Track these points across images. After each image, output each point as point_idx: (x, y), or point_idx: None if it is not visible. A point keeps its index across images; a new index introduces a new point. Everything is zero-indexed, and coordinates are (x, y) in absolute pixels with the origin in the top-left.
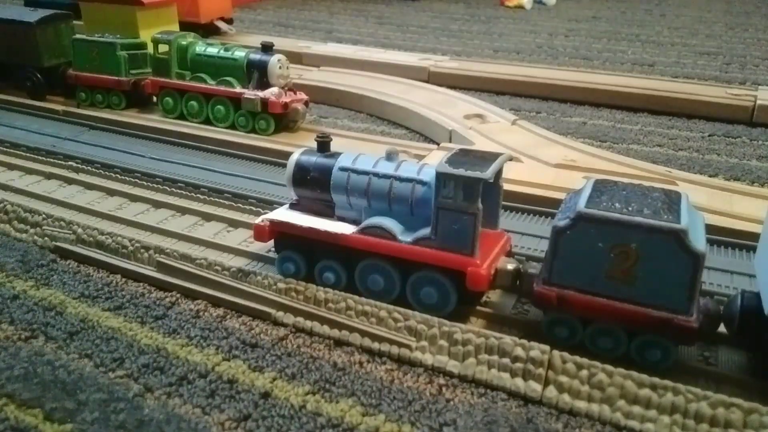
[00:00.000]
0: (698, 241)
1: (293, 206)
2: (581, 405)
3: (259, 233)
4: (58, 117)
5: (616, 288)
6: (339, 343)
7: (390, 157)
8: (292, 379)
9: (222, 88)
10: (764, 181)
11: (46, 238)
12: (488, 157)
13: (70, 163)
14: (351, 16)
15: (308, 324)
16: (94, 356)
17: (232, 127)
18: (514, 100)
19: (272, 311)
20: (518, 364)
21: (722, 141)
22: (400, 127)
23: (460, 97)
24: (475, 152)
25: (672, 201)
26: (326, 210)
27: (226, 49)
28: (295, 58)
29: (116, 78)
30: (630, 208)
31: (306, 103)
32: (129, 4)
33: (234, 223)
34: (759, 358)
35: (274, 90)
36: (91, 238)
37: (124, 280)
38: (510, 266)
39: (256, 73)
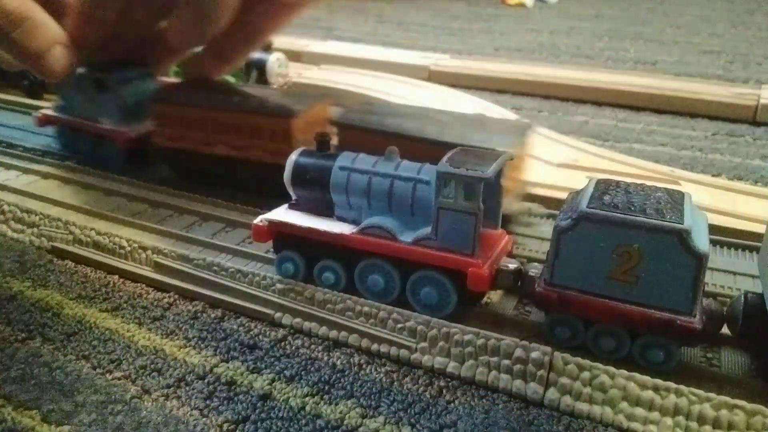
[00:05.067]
0: (701, 241)
1: (292, 206)
2: (583, 407)
3: (258, 233)
4: None
5: (619, 289)
6: (338, 344)
7: (390, 156)
8: (291, 380)
9: None
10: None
11: (43, 238)
12: (489, 157)
13: (66, 162)
14: (351, 14)
15: (307, 325)
16: (92, 357)
17: None
18: (516, 98)
19: (271, 312)
20: (519, 366)
21: (725, 140)
22: None
23: (461, 95)
24: (476, 151)
25: (675, 201)
26: (326, 210)
27: None
28: (294, 56)
29: None
30: (632, 208)
31: None
32: None
33: (232, 223)
34: (762, 359)
35: None
36: (88, 239)
37: (121, 280)
38: (511, 266)
39: (255, 72)
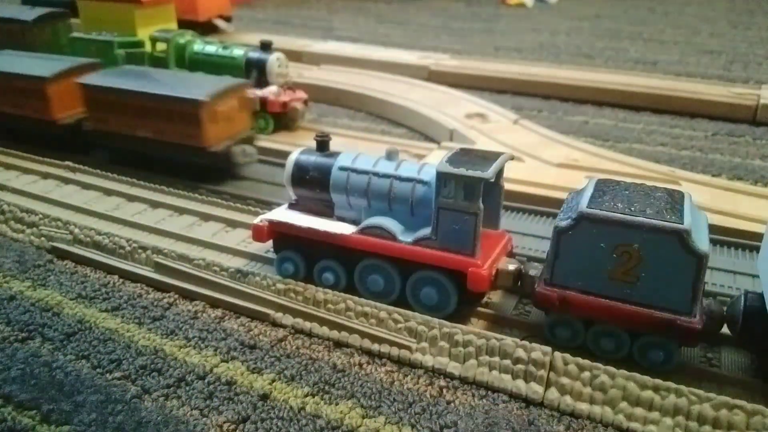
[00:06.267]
0: (701, 241)
1: (292, 206)
2: (583, 407)
3: (258, 233)
4: None
5: (619, 289)
6: (338, 344)
7: (390, 156)
8: (291, 380)
9: None
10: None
11: (43, 239)
12: (489, 157)
13: (66, 162)
14: (351, 14)
15: (307, 325)
16: (92, 357)
17: None
18: (516, 98)
19: (271, 312)
20: (519, 366)
21: (725, 140)
22: (401, 126)
23: (461, 96)
24: (476, 152)
25: (675, 201)
26: (325, 210)
27: (225, 48)
28: (294, 56)
29: None
30: (632, 208)
31: (305, 102)
32: (127, 2)
33: (232, 223)
34: (762, 359)
35: (273, 89)
36: (88, 239)
37: (121, 280)
38: (511, 267)
39: (255, 72)
